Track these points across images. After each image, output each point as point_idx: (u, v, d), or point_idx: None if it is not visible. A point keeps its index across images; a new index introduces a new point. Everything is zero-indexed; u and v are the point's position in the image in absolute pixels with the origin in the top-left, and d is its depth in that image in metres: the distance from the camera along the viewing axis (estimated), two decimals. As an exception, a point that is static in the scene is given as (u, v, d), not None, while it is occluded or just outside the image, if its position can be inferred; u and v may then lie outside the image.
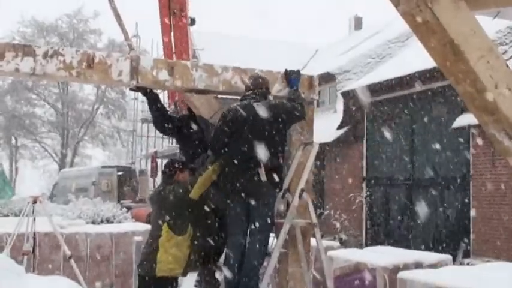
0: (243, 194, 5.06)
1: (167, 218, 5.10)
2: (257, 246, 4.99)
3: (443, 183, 14.15)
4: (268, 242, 5.12)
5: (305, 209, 5.32)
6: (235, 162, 5.06)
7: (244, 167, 5.02)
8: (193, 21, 12.94)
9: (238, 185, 5.05)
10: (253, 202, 5.04)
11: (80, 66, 4.93)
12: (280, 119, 5.11)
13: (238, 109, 5.19)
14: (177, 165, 5.48)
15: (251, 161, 5.00)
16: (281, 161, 5.20)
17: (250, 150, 5.02)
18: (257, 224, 5.03)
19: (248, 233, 5.09)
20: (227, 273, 5.03)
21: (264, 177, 4.97)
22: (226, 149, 5.16)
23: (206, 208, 5.39)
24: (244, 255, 5.03)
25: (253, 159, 5.00)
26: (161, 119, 5.73)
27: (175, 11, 12.10)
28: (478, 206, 12.96)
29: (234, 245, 5.11)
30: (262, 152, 5.00)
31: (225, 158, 5.16)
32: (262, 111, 5.08)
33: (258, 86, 5.29)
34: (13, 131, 40.78)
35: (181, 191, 5.13)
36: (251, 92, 5.27)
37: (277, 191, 5.20)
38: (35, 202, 8.17)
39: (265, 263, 5.07)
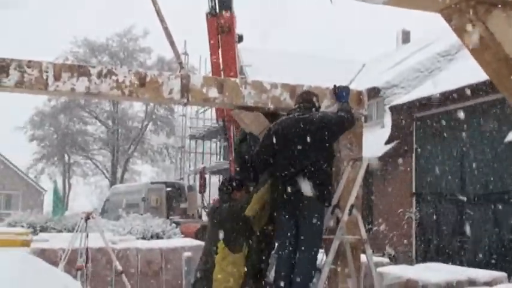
0: (289, 210, 5.04)
1: (222, 235, 5.10)
2: (306, 262, 4.95)
3: (495, 199, 13.79)
4: (317, 257, 5.07)
5: (355, 225, 5.27)
6: (281, 177, 5.05)
7: (288, 182, 4.99)
8: (240, 38, 13.10)
9: (284, 200, 5.03)
10: (299, 218, 5.01)
11: (132, 85, 5.06)
12: (324, 131, 5.04)
13: (282, 122, 5.20)
14: (234, 184, 5.47)
15: (295, 175, 4.98)
16: (328, 174, 5.14)
17: (294, 164, 5.00)
18: (305, 240, 4.99)
19: (297, 248, 5.07)
20: None
21: (309, 193, 4.93)
22: (269, 163, 5.15)
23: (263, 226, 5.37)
24: (294, 271, 5.01)
25: (297, 174, 4.98)
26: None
27: (223, 28, 12.28)
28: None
29: (283, 260, 5.09)
30: (306, 166, 4.97)
31: (271, 172, 5.16)
32: (305, 124, 5.05)
33: (305, 100, 5.30)
34: (66, 148, 41.82)
35: (236, 208, 5.13)
36: (297, 106, 5.28)
37: (326, 204, 5.15)
38: (88, 218, 8.34)
39: (314, 280, 5.04)
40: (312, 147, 5.01)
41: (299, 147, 5.01)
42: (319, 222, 5.04)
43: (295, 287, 4.92)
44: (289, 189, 4.98)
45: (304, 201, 4.94)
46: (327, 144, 5.12)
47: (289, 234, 5.09)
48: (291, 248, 5.07)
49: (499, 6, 2.34)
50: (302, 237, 5.01)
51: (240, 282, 5.07)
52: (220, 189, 5.52)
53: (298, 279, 4.92)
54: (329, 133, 5.08)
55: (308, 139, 5.00)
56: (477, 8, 2.33)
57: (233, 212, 5.12)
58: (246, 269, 5.11)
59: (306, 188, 4.93)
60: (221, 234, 5.10)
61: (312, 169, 4.97)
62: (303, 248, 4.99)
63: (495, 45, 2.47)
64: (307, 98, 5.32)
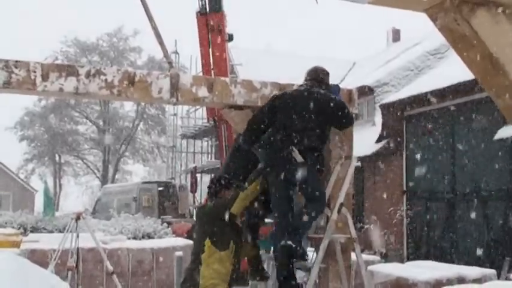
0: (284, 176, 5.02)
1: (209, 233, 5.11)
2: (305, 216, 4.94)
3: (485, 196, 13.86)
4: (318, 213, 5.04)
5: (344, 223, 5.28)
6: (274, 142, 5.09)
7: (279, 148, 5.03)
8: (231, 37, 13.11)
9: (279, 167, 5.03)
10: (293, 183, 5.02)
11: (121, 85, 5.04)
12: (332, 112, 5.12)
13: (293, 92, 5.25)
14: (222, 182, 5.46)
15: (285, 141, 5.01)
16: (320, 148, 5.13)
17: (287, 130, 5.05)
18: (309, 201, 5.00)
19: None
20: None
21: (299, 158, 4.94)
22: (265, 127, 5.20)
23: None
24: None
25: (287, 140, 5.01)
26: None
27: (213, 28, 12.29)
28: (523, 219, 12.64)
29: (282, 228, 5.05)
30: (296, 132, 5.01)
31: (266, 138, 5.20)
32: (325, 100, 5.11)
33: (312, 78, 5.35)
34: (57, 148, 41.70)
35: (221, 206, 5.14)
36: (305, 83, 5.33)
37: (318, 167, 5.11)
38: (78, 218, 8.32)
39: (305, 279, 5.05)
40: (311, 118, 5.04)
41: (298, 115, 5.05)
42: (316, 182, 5.05)
43: (292, 227, 4.93)
44: (278, 154, 5.02)
45: (297, 165, 4.95)
46: (327, 122, 5.16)
47: (286, 202, 5.07)
48: (288, 214, 5.06)
49: (483, 5, 2.36)
50: (306, 199, 5.02)
51: (226, 279, 5.07)
52: (209, 188, 5.51)
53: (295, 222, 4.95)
54: (339, 120, 5.17)
55: (320, 115, 5.06)
56: (461, 7, 2.34)
57: (219, 210, 5.12)
58: (232, 267, 5.12)
59: (294, 154, 4.95)
60: (207, 232, 5.11)
61: (306, 138, 5.00)
62: (308, 206, 4.99)
63: (480, 44, 2.49)
64: (315, 76, 5.36)
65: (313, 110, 5.08)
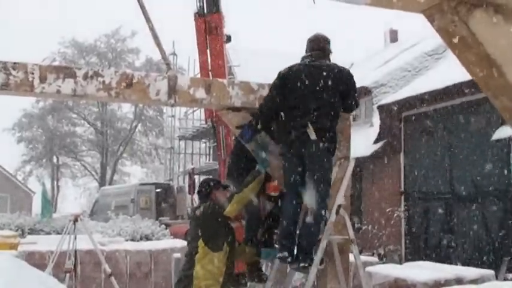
0: (296, 153, 4.95)
1: (202, 234, 5.13)
2: (316, 199, 4.85)
3: (483, 197, 13.87)
4: (326, 202, 4.92)
5: (342, 225, 5.27)
6: (287, 121, 5.01)
7: (293, 126, 4.94)
8: (228, 39, 13.08)
9: (291, 144, 4.96)
10: (305, 161, 4.93)
11: (118, 87, 5.03)
12: (340, 85, 5.04)
13: (300, 66, 5.16)
14: (212, 184, 5.49)
15: (300, 119, 4.92)
16: (334, 123, 5.04)
17: (300, 108, 4.95)
18: (314, 180, 4.87)
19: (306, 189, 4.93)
20: (282, 236, 4.97)
21: (313, 136, 4.85)
22: (275, 109, 5.09)
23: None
24: (297, 220, 4.96)
25: (301, 118, 4.92)
26: None
27: (211, 29, 12.27)
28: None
29: (288, 207, 5.00)
30: (311, 111, 4.92)
31: (279, 119, 5.10)
32: (336, 73, 5.06)
33: (313, 48, 5.25)
34: (55, 149, 41.67)
35: (215, 208, 5.15)
36: (309, 54, 5.23)
37: (332, 151, 5.02)
38: (76, 220, 8.31)
39: (303, 280, 5.04)
40: (321, 95, 4.95)
41: (309, 92, 4.96)
42: (326, 165, 4.96)
43: (307, 228, 4.88)
44: (293, 132, 4.93)
45: (310, 143, 4.87)
46: (336, 97, 5.05)
47: (297, 178, 4.98)
48: (297, 193, 4.97)
49: (481, 6, 2.36)
50: (310, 179, 4.90)
51: (220, 280, 5.08)
52: (199, 192, 5.53)
53: (309, 220, 4.86)
54: (343, 88, 5.08)
55: (321, 86, 4.96)
56: (458, 9, 2.34)
57: (212, 211, 5.13)
58: (226, 268, 5.12)
59: (309, 131, 4.87)
60: (201, 233, 5.12)
61: (319, 117, 4.91)
62: (312, 190, 4.87)
63: (477, 46, 2.49)
64: (319, 46, 5.28)
65: (325, 84, 4.98)
